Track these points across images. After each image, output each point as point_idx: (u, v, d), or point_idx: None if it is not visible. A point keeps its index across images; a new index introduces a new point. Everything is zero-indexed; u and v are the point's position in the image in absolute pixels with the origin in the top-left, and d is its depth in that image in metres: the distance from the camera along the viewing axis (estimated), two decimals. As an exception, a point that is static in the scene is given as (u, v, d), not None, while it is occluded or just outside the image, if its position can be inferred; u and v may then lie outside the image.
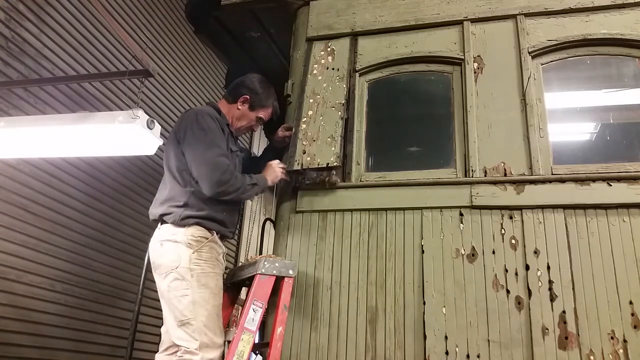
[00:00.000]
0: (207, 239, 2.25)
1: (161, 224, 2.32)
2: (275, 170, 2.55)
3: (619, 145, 2.69)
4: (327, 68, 2.85)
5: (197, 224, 2.26)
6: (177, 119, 5.49)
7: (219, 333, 2.17)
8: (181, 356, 2.08)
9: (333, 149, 2.55)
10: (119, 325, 4.47)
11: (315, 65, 2.88)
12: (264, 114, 2.64)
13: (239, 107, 2.59)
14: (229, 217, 2.40)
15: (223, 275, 2.36)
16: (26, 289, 3.60)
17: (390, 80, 2.85)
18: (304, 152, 2.59)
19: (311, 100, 2.77)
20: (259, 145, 7.31)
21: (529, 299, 2.17)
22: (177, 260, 2.19)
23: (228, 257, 2.95)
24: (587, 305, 2.11)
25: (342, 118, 2.67)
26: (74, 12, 4.14)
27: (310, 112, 2.74)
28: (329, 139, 2.62)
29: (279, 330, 2.22)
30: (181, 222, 2.25)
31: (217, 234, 2.32)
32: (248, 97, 2.58)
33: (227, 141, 2.44)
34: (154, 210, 2.37)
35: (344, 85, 2.76)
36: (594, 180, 2.27)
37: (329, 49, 2.92)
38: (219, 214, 2.33)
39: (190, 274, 2.16)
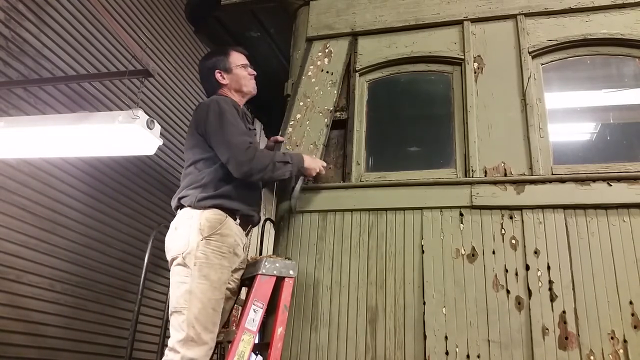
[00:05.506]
0: (221, 223, 2.18)
1: (180, 209, 2.27)
2: (315, 160, 2.48)
3: (619, 145, 2.69)
4: (322, 70, 2.85)
5: (215, 206, 2.19)
6: (177, 119, 5.51)
7: (209, 329, 2.08)
8: (166, 354, 2.03)
9: (313, 156, 2.55)
10: (119, 325, 4.47)
11: (311, 67, 2.88)
12: (238, 59, 2.55)
13: (225, 81, 2.50)
14: (249, 194, 2.33)
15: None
16: (26, 289, 3.60)
17: (390, 80, 2.85)
18: None
19: (301, 103, 2.77)
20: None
21: (529, 299, 2.17)
22: (186, 245, 2.13)
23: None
24: (587, 305, 2.11)
25: (327, 125, 2.67)
26: (74, 12, 4.15)
27: (298, 116, 2.74)
28: (311, 146, 2.62)
29: (279, 330, 2.22)
30: (198, 204, 2.19)
31: (238, 218, 2.25)
32: (218, 69, 2.50)
33: (244, 121, 2.38)
34: (174, 201, 2.32)
35: (335, 91, 2.76)
36: (594, 180, 2.27)
37: (326, 50, 2.92)
38: (237, 190, 2.26)
39: (193, 262, 2.10)
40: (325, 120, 2.69)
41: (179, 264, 2.14)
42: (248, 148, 2.20)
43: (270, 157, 2.27)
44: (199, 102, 5.86)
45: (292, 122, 2.73)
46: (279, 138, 2.72)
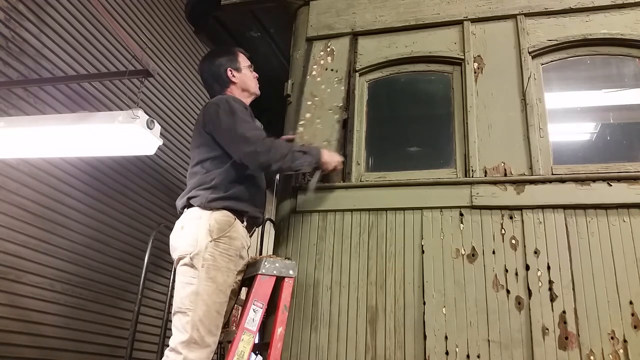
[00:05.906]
0: (230, 226, 2.17)
1: (187, 208, 2.26)
2: (332, 154, 2.45)
3: (619, 145, 2.69)
4: (326, 69, 2.85)
5: (224, 208, 2.18)
6: (177, 119, 5.51)
7: (213, 331, 2.07)
8: (167, 356, 2.03)
9: (331, 152, 2.55)
10: (119, 325, 4.47)
11: (315, 66, 2.88)
12: (244, 60, 2.57)
13: (235, 80, 2.50)
14: (256, 195, 2.33)
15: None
16: (26, 289, 3.59)
17: (390, 80, 2.85)
18: None
19: (309, 103, 2.77)
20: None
21: (529, 299, 2.17)
22: (194, 245, 2.12)
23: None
24: (587, 305, 2.11)
25: (338, 121, 2.66)
26: (74, 12, 4.14)
27: (307, 115, 2.74)
28: (324, 143, 2.62)
29: (279, 330, 2.22)
30: (208, 205, 2.18)
31: (245, 220, 2.25)
32: (230, 67, 2.50)
33: (252, 120, 2.39)
34: (181, 200, 2.31)
35: (342, 88, 2.76)
36: (594, 180, 2.27)
37: (328, 49, 2.92)
38: (246, 192, 2.26)
39: (201, 263, 2.08)
40: (336, 116, 2.68)
41: (185, 264, 2.13)
42: (264, 138, 2.21)
43: (288, 146, 2.27)
44: (201, 102, 5.90)
45: (302, 122, 2.72)
46: (290, 136, 2.72)
